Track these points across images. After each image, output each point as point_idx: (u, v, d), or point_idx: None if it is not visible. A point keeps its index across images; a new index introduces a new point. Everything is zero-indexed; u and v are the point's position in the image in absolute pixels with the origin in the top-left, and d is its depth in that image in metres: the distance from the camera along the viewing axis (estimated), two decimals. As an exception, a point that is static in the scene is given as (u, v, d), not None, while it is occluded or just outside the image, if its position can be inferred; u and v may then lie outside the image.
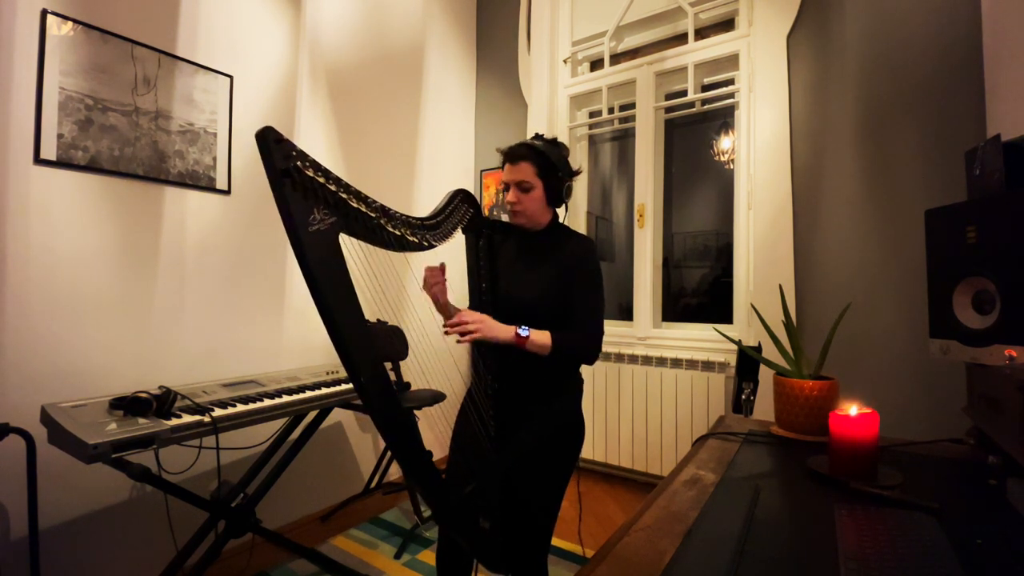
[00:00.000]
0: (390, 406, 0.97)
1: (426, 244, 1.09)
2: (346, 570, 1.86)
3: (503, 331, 1.12)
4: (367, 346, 0.94)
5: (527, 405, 1.23)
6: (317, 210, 0.87)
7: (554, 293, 1.21)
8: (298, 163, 0.85)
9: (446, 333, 1.09)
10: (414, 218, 1.06)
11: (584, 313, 1.20)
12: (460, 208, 1.20)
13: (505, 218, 1.34)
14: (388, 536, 2.18)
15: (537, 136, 1.28)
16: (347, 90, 2.46)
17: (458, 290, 1.30)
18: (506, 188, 1.25)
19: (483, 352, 1.23)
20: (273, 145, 0.83)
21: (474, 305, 1.27)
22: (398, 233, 1.01)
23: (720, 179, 2.79)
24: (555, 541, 2.10)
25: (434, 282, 1.24)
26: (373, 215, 0.96)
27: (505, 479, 1.20)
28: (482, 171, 3.29)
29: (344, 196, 0.92)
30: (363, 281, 2.83)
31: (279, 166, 0.83)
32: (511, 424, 1.22)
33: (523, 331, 1.13)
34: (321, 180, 0.88)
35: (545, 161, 1.22)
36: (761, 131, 2.31)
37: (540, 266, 1.24)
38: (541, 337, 1.14)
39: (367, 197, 0.96)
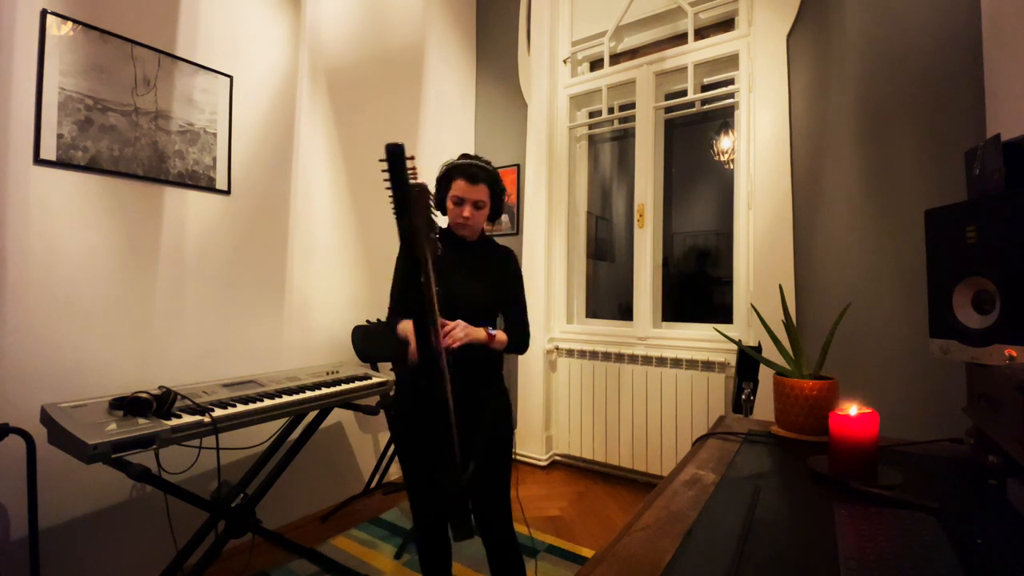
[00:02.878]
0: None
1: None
2: (346, 570, 1.86)
3: (478, 332, 1.28)
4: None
5: (478, 391, 1.35)
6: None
7: (495, 294, 1.40)
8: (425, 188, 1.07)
9: (446, 346, 1.18)
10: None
11: (521, 312, 1.44)
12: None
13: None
14: (388, 536, 2.17)
15: (469, 156, 1.38)
16: (347, 90, 2.46)
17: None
18: (458, 202, 1.34)
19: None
20: (405, 162, 1.02)
21: (415, 299, 1.30)
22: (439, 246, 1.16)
23: (720, 179, 2.79)
24: (555, 541, 2.11)
25: None
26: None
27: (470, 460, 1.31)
28: (482, 171, 3.29)
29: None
30: (361, 281, 2.81)
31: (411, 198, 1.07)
32: (470, 411, 1.29)
33: (492, 330, 1.31)
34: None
35: (497, 184, 1.39)
36: (761, 131, 2.31)
37: (482, 272, 1.40)
38: (501, 334, 1.34)
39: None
